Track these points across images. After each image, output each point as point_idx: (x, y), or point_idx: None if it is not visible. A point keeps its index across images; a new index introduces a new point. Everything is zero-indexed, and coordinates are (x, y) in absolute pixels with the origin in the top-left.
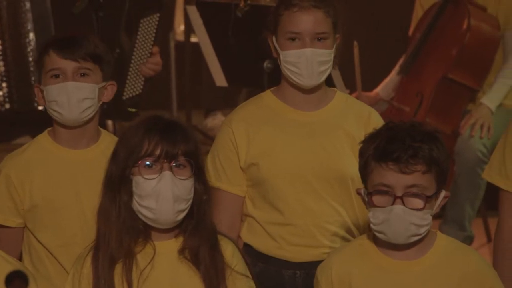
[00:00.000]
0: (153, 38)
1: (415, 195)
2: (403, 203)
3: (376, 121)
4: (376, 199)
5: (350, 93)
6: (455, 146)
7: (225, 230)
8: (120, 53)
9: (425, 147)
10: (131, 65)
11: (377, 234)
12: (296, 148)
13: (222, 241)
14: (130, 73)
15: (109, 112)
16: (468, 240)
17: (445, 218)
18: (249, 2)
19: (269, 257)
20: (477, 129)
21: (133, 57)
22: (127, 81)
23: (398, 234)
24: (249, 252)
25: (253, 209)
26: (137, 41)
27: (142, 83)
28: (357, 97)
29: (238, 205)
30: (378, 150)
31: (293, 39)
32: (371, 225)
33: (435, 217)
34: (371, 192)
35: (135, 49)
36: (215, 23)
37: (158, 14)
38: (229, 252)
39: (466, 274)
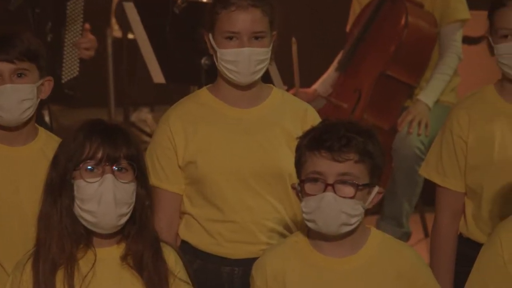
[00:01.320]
0: (81, 18)
1: (346, 183)
2: (334, 191)
3: (313, 118)
4: (308, 187)
5: (288, 90)
6: (393, 143)
7: (163, 228)
8: (52, 38)
9: (359, 139)
10: (65, 48)
11: (309, 224)
12: (233, 145)
13: (165, 248)
14: (65, 57)
15: (48, 97)
16: (406, 236)
17: (382, 215)
18: None
19: (207, 254)
20: (415, 126)
21: (66, 40)
22: (63, 65)
23: (329, 222)
24: (187, 250)
25: (191, 206)
26: (67, 23)
27: (78, 64)
28: (295, 94)
29: (176, 203)
30: (312, 140)
31: (230, 38)
32: (303, 214)
33: (373, 213)
34: (303, 180)
35: (66, 32)
36: (153, 20)
37: None
38: (172, 259)
39: (401, 270)
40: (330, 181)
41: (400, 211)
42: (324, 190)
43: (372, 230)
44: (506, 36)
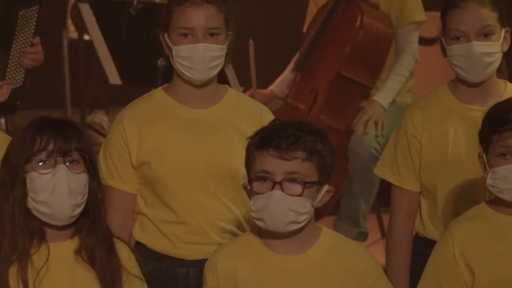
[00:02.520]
0: (32, 31)
1: (293, 181)
2: (282, 189)
3: (268, 119)
4: (256, 185)
5: (244, 91)
6: (349, 143)
7: (117, 228)
8: None
9: (308, 138)
10: (10, 57)
11: (258, 222)
12: (188, 146)
13: (118, 244)
14: (9, 66)
15: None
16: (363, 236)
17: (339, 215)
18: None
19: (162, 255)
20: (371, 126)
21: (12, 49)
22: (7, 74)
23: (277, 220)
24: (141, 251)
25: (145, 207)
26: (16, 33)
27: (23, 75)
28: (251, 95)
29: (130, 204)
30: (260, 139)
31: (185, 35)
32: (252, 213)
33: (330, 213)
34: (252, 179)
35: (14, 42)
36: (108, 21)
37: (37, 7)
38: (125, 255)
39: (351, 268)
40: (278, 179)
41: (357, 211)
42: (272, 188)
43: (323, 229)
44: (458, 38)
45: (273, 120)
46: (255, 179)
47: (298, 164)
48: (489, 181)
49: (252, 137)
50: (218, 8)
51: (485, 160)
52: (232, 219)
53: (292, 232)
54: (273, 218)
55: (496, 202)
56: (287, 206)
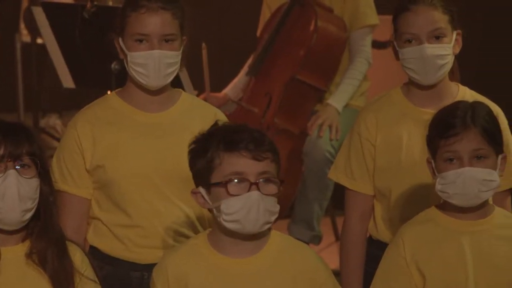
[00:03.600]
0: None
1: (269, 181)
2: (259, 189)
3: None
4: (231, 188)
5: (198, 94)
6: (304, 147)
7: (71, 233)
8: None
9: (267, 139)
10: None
11: (229, 225)
12: (142, 149)
13: (71, 247)
14: None
15: None
16: (317, 239)
17: (293, 218)
18: (95, 3)
19: (116, 260)
20: (325, 130)
21: None
22: None
23: (255, 221)
24: (96, 255)
25: (99, 211)
26: None
27: None
28: (205, 98)
29: (84, 208)
30: (226, 141)
31: (140, 41)
32: (223, 216)
33: (284, 216)
34: (223, 182)
35: None
36: (62, 24)
37: None
38: (78, 258)
39: (301, 270)
40: (253, 180)
41: (311, 214)
42: (249, 189)
43: (272, 231)
44: (410, 41)
45: (215, 124)
46: (229, 181)
47: (268, 164)
48: (438, 186)
49: (202, 143)
50: (173, 14)
51: (434, 165)
52: (186, 223)
53: (257, 234)
54: (252, 219)
55: (446, 206)
56: (265, 207)
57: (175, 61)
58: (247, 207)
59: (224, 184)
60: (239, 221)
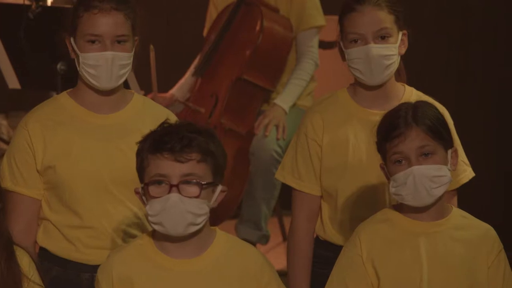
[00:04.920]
0: None
1: (190, 183)
2: (179, 191)
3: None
4: (152, 189)
5: (145, 95)
6: (250, 146)
7: (21, 234)
8: None
9: (200, 139)
10: None
11: (155, 226)
12: (93, 151)
13: (18, 252)
14: None
15: None
16: (264, 239)
17: (241, 218)
18: (41, 3)
19: (66, 261)
20: (271, 129)
21: None
22: None
23: (176, 223)
24: (45, 256)
25: (49, 212)
26: None
27: None
28: (152, 99)
29: (34, 209)
30: (153, 143)
31: (93, 42)
32: (149, 218)
33: (232, 216)
34: (147, 184)
35: None
36: (6, 25)
37: None
38: (26, 262)
39: (246, 269)
40: (174, 182)
41: (258, 214)
42: (169, 192)
43: (217, 231)
44: (355, 41)
45: (162, 124)
46: (151, 183)
47: (193, 166)
48: (391, 189)
49: (143, 142)
50: (126, 15)
51: (386, 170)
52: (137, 224)
53: (189, 235)
54: (172, 221)
55: (403, 207)
56: (185, 208)
57: (127, 63)
58: (166, 209)
59: (147, 186)
60: (162, 223)
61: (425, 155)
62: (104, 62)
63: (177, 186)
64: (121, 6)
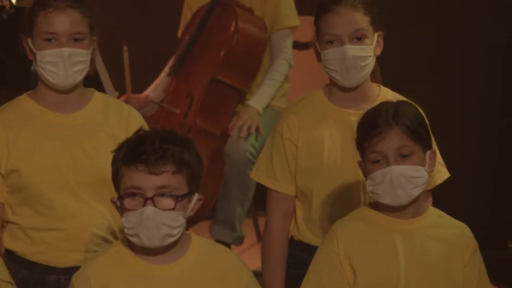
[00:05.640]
0: None
1: (165, 196)
2: (154, 204)
3: (137, 120)
4: (128, 202)
5: (119, 96)
6: (225, 148)
7: None
8: None
9: (175, 149)
10: None
11: (131, 238)
12: (57, 151)
13: None
14: None
15: None
16: (239, 240)
17: (215, 219)
18: (14, 4)
19: (32, 263)
20: (245, 131)
21: None
22: None
23: (152, 236)
24: (11, 258)
25: (13, 215)
26: None
27: None
28: (126, 100)
29: None
30: (127, 154)
31: (49, 40)
32: (126, 230)
33: (206, 218)
34: (122, 196)
35: None
36: None
37: None
38: None
39: (224, 273)
40: (149, 194)
41: (233, 215)
42: (144, 205)
43: (193, 236)
44: (331, 42)
45: (137, 131)
46: (126, 195)
47: (168, 177)
48: (369, 187)
49: (117, 151)
50: (82, 13)
51: (364, 168)
52: (106, 226)
53: (166, 246)
54: (148, 234)
55: (379, 205)
56: (160, 221)
57: (84, 60)
58: (141, 222)
59: (122, 198)
60: (138, 235)
61: (403, 156)
62: (61, 58)
63: (152, 199)
64: (76, 4)
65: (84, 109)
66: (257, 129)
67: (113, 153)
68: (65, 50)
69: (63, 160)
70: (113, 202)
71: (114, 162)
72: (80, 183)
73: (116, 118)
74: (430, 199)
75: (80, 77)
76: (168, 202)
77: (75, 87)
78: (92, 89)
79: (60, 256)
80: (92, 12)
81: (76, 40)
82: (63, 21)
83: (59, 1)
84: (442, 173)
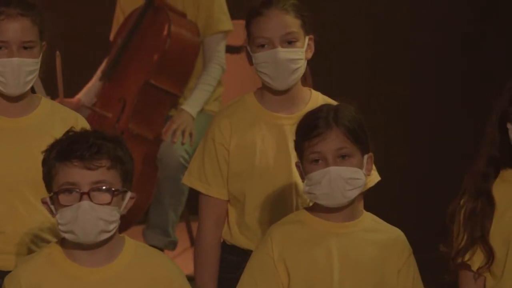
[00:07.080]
0: None
1: (101, 190)
2: (90, 199)
3: (83, 126)
4: (63, 198)
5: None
6: (158, 152)
7: None
8: None
9: (109, 145)
10: None
11: (65, 235)
12: (5, 154)
13: None
14: None
15: None
16: (172, 245)
17: (148, 224)
18: None
19: None
20: (179, 135)
21: None
22: None
23: (88, 230)
24: None
25: None
26: None
27: None
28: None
29: None
30: (61, 151)
31: None
32: (59, 226)
33: (139, 222)
34: (57, 192)
35: None
36: None
37: None
38: None
39: (156, 276)
40: (85, 189)
41: (166, 220)
42: (80, 200)
43: (126, 239)
44: (263, 45)
45: (67, 132)
46: (61, 191)
47: (103, 173)
48: (305, 188)
49: (49, 151)
50: (33, 21)
51: (301, 169)
52: (49, 228)
53: (100, 243)
54: (84, 230)
55: (315, 208)
56: (97, 216)
57: (34, 69)
58: (77, 217)
59: (56, 194)
60: (73, 231)
61: (342, 157)
62: (10, 68)
63: (88, 193)
64: (27, 12)
65: (31, 114)
66: (190, 135)
67: (44, 154)
68: (15, 60)
69: (10, 163)
70: (44, 202)
71: (46, 161)
72: (26, 186)
73: (62, 123)
74: (362, 203)
75: (29, 86)
76: (104, 197)
77: (24, 93)
78: (40, 95)
79: (5, 259)
80: (42, 19)
81: (26, 48)
82: (14, 29)
83: (10, 8)
84: (372, 177)
